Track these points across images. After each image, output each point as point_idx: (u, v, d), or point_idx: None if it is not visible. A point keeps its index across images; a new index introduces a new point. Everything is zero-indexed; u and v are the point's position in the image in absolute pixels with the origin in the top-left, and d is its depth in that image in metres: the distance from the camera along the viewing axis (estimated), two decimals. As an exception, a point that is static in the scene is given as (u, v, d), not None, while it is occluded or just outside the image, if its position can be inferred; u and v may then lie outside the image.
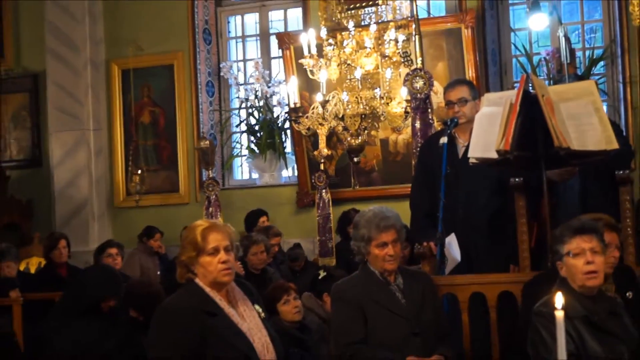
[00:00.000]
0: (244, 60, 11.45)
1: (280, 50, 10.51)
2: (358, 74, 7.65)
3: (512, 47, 10.30)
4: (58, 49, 11.27)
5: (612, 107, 9.65)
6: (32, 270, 9.64)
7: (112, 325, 6.34)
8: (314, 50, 7.75)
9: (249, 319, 3.88)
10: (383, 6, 8.31)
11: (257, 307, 4.01)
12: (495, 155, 5.14)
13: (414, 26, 8.00)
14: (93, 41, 11.34)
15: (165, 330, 3.79)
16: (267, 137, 10.80)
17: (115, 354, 6.26)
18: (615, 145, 5.13)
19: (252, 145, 11.03)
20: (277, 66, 11.07)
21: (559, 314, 2.20)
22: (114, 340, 6.29)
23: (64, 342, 6.12)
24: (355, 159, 7.95)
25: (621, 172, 5.65)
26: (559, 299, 2.26)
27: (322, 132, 7.79)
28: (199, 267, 3.87)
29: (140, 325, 6.98)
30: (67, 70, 11.25)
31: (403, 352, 4.66)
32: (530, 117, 5.05)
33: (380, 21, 8.24)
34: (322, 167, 9.31)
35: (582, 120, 5.13)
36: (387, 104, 7.76)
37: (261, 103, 10.87)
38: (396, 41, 7.90)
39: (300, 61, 8.03)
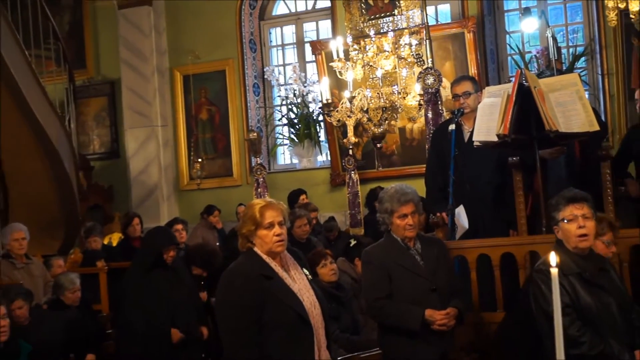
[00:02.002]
0: (284, 65, 11.43)
1: (313, 55, 10.49)
2: (379, 73, 7.63)
3: (508, 47, 10.20)
4: (130, 60, 11.33)
5: (593, 95, 9.53)
6: (114, 244, 9.72)
7: (177, 279, 6.36)
8: (342, 55, 7.74)
9: (298, 281, 3.87)
10: (399, 16, 8.25)
11: (305, 270, 4.00)
12: (495, 139, 5.13)
13: (424, 32, 7.95)
14: (159, 52, 11.39)
15: (231, 291, 3.80)
16: (304, 128, 10.81)
17: (183, 305, 6.31)
18: (596, 127, 5.10)
19: (292, 136, 11.04)
20: (311, 69, 11.05)
21: (554, 271, 2.18)
22: (181, 292, 6.34)
23: (138, 296, 6.17)
24: (378, 145, 7.93)
25: (602, 149, 5.60)
26: (552, 258, 2.24)
27: (350, 123, 7.77)
28: (256, 239, 3.86)
29: (204, 280, 7.02)
30: (138, 77, 11.31)
31: (422, 305, 4.65)
32: (525, 105, 5.02)
33: (396, 29, 8.18)
34: (350, 152, 9.26)
35: (568, 107, 5.09)
36: (404, 98, 7.72)
37: (299, 100, 10.87)
38: (410, 45, 7.85)
39: (330, 64, 8.02)
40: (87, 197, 10.66)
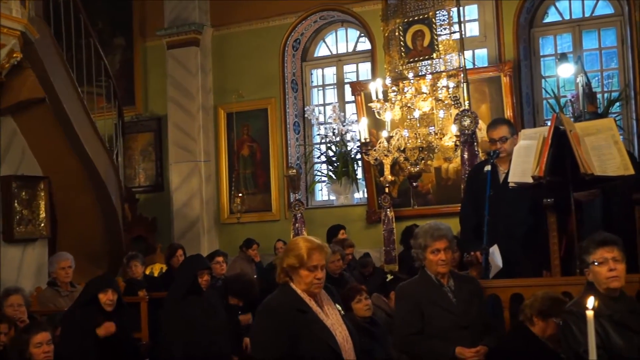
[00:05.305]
0: (324, 105, 11.46)
1: (353, 96, 10.50)
2: (416, 114, 7.61)
3: (543, 91, 10.13)
4: (177, 97, 11.44)
5: (628, 140, 9.39)
6: (156, 274, 9.73)
7: (211, 307, 6.35)
8: (380, 96, 7.74)
9: (331, 316, 3.85)
10: (437, 59, 8.26)
11: (337, 306, 3.98)
12: (531, 180, 5.06)
13: (462, 75, 7.93)
14: (204, 91, 11.49)
15: (267, 323, 3.79)
16: (342, 166, 10.79)
17: (216, 333, 6.28)
18: (631, 171, 5.01)
19: (330, 173, 11.02)
20: (350, 109, 11.05)
21: (590, 314, 2.11)
22: (215, 320, 6.31)
23: (174, 322, 6.16)
24: (414, 184, 7.90)
25: (637, 193, 5.48)
26: (590, 302, 2.18)
27: (387, 162, 7.74)
28: (297, 276, 3.85)
29: (240, 310, 6.98)
30: (183, 114, 11.41)
31: (453, 342, 4.60)
32: (560, 148, 4.95)
33: (434, 72, 8.18)
34: (387, 190, 9.22)
35: (603, 151, 5.02)
36: (440, 138, 7.69)
37: (338, 139, 10.86)
38: (447, 88, 7.83)
39: (369, 105, 8.02)
40: (132, 229, 10.72)
